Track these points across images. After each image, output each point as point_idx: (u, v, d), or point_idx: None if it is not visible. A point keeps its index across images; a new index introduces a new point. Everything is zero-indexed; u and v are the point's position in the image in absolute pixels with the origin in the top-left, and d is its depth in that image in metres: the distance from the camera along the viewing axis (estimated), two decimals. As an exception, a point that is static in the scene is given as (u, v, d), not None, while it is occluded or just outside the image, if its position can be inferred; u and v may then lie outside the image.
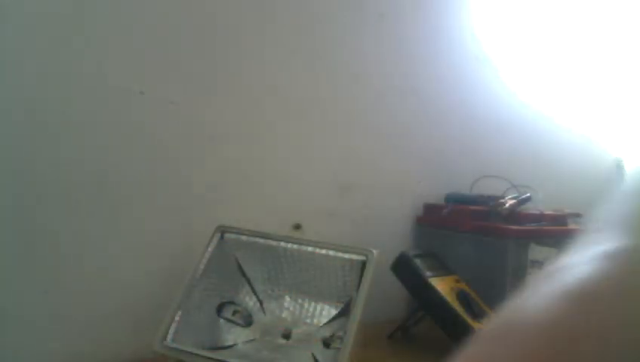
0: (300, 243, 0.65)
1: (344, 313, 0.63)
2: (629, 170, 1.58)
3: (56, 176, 0.61)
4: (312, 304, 0.66)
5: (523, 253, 0.89)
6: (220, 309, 0.64)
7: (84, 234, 0.64)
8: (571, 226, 1.01)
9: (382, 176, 0.97)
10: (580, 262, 0.21)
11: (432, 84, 1.06)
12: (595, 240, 0.24)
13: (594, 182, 1.53)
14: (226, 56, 0.75)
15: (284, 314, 0.66)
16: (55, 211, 0.61)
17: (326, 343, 0.61)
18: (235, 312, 0.64)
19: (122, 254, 0.67)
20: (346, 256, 0.62)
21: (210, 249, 0.63)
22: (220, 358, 0.53)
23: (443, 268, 0.81)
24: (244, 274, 0.67)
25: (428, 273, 0.77)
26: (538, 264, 0.91)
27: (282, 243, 0.65)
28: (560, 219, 0.99)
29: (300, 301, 0.66)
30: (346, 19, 0.90)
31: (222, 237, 0.65)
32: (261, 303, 0.66)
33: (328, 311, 0.65)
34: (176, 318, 0.57)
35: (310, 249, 0.64)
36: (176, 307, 0.58)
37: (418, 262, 0.78)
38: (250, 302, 0.66)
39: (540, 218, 0.93)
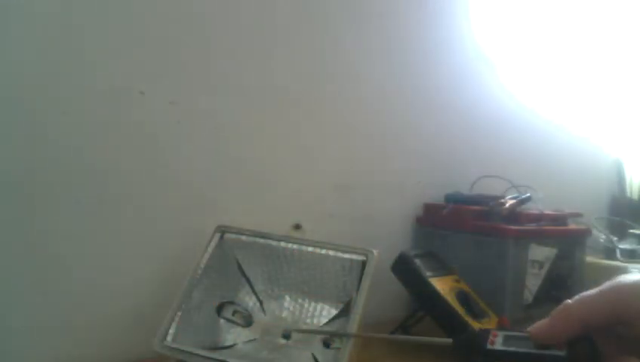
0: (300, 243, 0.64)
1: (344, 313, 0.63)
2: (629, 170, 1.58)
3: (56, 177, 0.61)
4: (312, 304, 0.66)
5: (523, 253, 0.89)
6: (219, 309, 0.64)
7: (84, 234, 0.64)
8: (571, 226, 1.02)
9: (382, 176, 0.97)
10: None
11: (432, 83, 1.06)
12: None
13: (594, 182, 1.54)
14: (226, 56, 0.75)
15: (284, 314, 0.66)
16: (54, 211, 0.61)
17: (326, 343, 0.61)
18: (235, 312, 0.64)
19: (122, 254, 0.67)
20: (346, 256, 0.62)
21: (210, 249, 0.63)
22: (219, 358, 0.53)
23: (443, 268, 0.81)
24: (244, 274, 0.67)
25: (428, 273, 0.77)
26: (538, 264, 0.91)
27: (282, 243, 0.65)
28: (560, 219, 0.99)
29: (299, 301, 0.66)
30: (346, 19, 0.90)
31: (222, 237, 0.65)
32: (261, 303, 0.66)
33: (328, 311, 0.65)
34: (176, 318, 0.57)
35: (310, 249, 0.64)
36: (176, 307, 0.58)
37: (418, 262, 0.78)
38: (250, 302, 0.66)
39: (540, 218, 0.93)
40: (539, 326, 0.35)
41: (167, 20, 0.69)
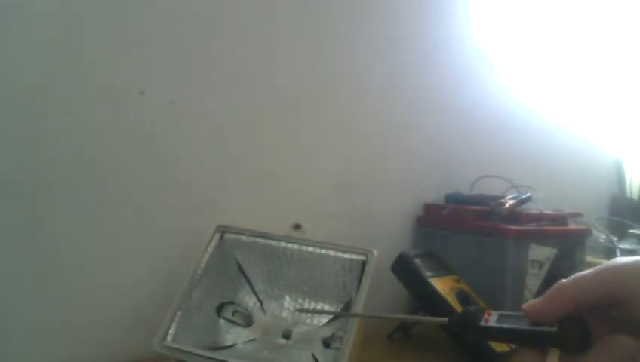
0: (300, 243, 0.65)
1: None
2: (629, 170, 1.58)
3: (56, 177, 0.61)
4: (312, 304, 0.66)
5: (523, 253, 0.89)
6: (219, 309, 0.64)
7: (84, 234, 0.64)
8: (571, 226, 1.02)
9: (382, 176, 0.97)
10: None
11: (432, 83, 1.06)
12: None
13: (594, 182, 1.54)
14: (226, 56, 0.75)
15: (284, 314, 0.66)
16: (54, 211, 0.61)
17: (326, 343, 0.61)
18: (235, 312, 0.64)
19: (122, 254, 0.67)
20: (346, 256, 0.62)
21: (210, 249, 0.63)
22: (219, 358, 0.53)
23: (443, 268, 0.81)
24: (244, 274, 0.67)
25: (428, 273, 0.77)
26: (538, 264, 0.91)
27: (282, 243, 0.65)
28: (560, 219, 0.99)
29: (299, 301, 0.66)
30: (346, 19, 0.90)
31: (222, 237, 0.65)
32: (261, 303, 0.66)
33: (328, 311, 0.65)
34: (176, 318, 0.57)
35: (310, 249, 0.64)
36: (176, 307, 0.58)
37: (418, 262, 0.78)
38: (250, 302, 0.66)
39: (540, 218, 0.93)
40: (533, 303, 0.36)
41: (167, 20, 0.69)
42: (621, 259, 0.34)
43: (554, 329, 0.34)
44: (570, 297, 0.34)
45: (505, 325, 0.37)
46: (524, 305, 0.36)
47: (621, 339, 0.32)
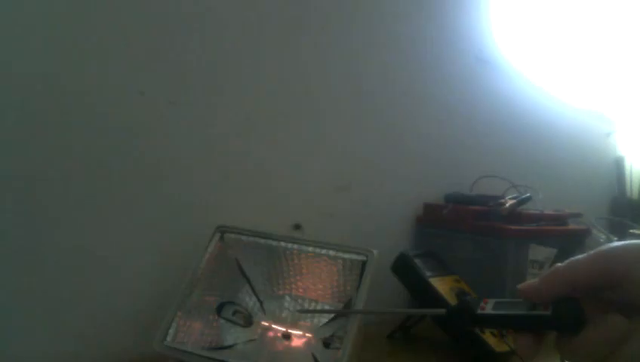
0: (300, 243, 0.64)
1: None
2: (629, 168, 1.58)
3: (57, 177, 0.61)
4: (312, 304, 0.66)
5: (523, 253, 0.89)
6: (219, 309, 0.64)
7: (84, 234, 0.64)
8: (571, 226, 1.02)
9: (382, 176, 0.97)
10: None
11: (432, 83, 1.06)
12: None
13: (594, 182, 1.54)
14: (226, 57, 0.75)
15: (284, 314, 0.66)
16: (54, 212, 0.61)
17: (326, 343, 0.61)
18: (235, 312, 0.64)
19: (122, 254, 0.67)
20: (346, 256, 0.62)
21: (210, 249, 0.63)
22: (219, 358, 0.53)
23: (443, 268, 0.81)
24: (244, 274, 0.67)
25: (428, 273, 0.77)
26: (538, 264, 0.91)
27: (282, 243, 0.65)
28: (560, 219, 0.99)
29: (299, 301, 0.66)
30: (346, 19, 0.90)
31: (222, 237, 0.65)
32: (261, 303, 0.66)
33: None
34: (176, 318, 0.57)
35: (310, 249, 0.64)
36: (176, 307, 0.58)
37: (418, 262, 0.78)
38: (250, 302, 0.66)
39: (540, 218, 0.93)
40: (528, 283, 0.37)
41: (168, 20, 0.69)
42: (613, 243, 0.35)
43: (548, 312, 0.35)
44: (564, 279, 0.35)
45: (501, 311, 0.38)
46: (520, 285, 0.37)
47: (613, 319, 0.33)
